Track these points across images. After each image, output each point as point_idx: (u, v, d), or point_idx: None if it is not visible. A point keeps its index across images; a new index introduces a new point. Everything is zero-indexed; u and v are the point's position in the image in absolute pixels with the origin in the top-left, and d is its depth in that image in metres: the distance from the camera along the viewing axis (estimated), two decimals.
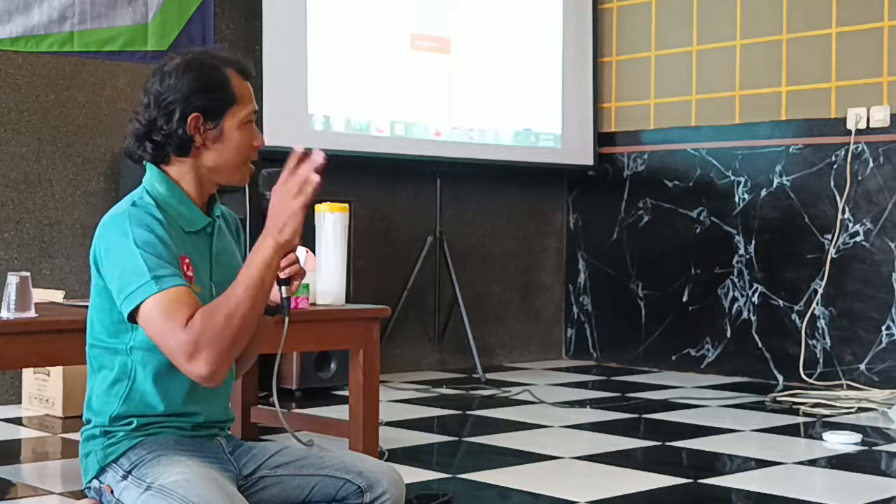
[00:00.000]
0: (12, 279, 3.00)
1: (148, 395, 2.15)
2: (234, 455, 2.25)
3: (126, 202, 2.17)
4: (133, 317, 2.07)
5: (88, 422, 2.21)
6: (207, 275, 2.19)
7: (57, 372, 4.63)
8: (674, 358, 6.46)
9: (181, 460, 2.12)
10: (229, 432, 2.33)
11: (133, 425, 2.17)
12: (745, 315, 6.18)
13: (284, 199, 2.08)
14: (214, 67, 2.22)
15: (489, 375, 6.03)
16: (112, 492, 2.15)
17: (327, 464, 2.23)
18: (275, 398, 2.26)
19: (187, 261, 2.13)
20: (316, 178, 2.07)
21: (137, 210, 2.13)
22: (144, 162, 2.22)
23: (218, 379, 2.04)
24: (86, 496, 2.24)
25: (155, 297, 2.04)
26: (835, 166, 5.87)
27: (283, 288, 2.14)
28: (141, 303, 2.04)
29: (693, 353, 6.39)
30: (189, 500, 2.03)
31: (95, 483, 2.19)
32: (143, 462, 2.13)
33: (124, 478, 2.13)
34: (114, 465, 2.15)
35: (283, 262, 2.10)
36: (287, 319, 2.16)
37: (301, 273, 2.16)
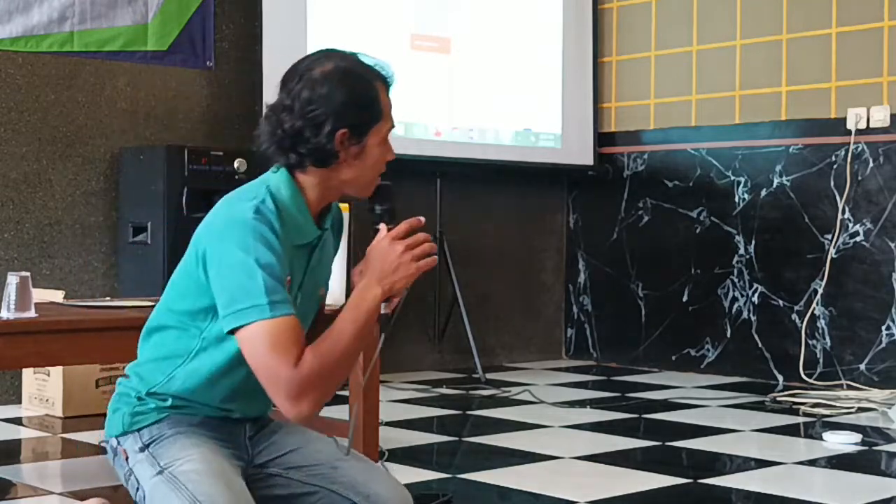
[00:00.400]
0: (12, 279, 3.00)
1: (195, 382, 2.15)
2: (252, 440, 2.25)
3: (248, 202, 2.09)
4: (233, 331, 2.03)
5: (128, 377, 2.22)
6: (298, 285, 2.18)
7: (57, 372, 4.63)
8: (674, 358, 6.46)
9: (197, 445, 2.13)
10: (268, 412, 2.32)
11: (167, 403, 2.17)
12: (745, 315, 6.18)
13: (404, 258, 2.10)
14: (368, 81, 2.15)
15: (489, 375, 6.03)
16: (127, 459, 2.17)
17: (338, 479, 2.22)
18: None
19: (289, 279, 2.11)
20: (434, 259, 2.13)
21: (260, 222, 2.05)
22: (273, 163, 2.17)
23: (312, 415, 2.03)
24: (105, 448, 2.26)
25: (266, 322, 2.00)
26: (835, 166, 5.87)
27: (383, 305, 2.12)
28: (247, 324, 2.00)
29: (693, 353, 6.39)
30: (196, 498, 2.04)
31: (114, 442, 2.20)
32: (162, 439, 2.14)
33: (142, 450, 2.15)
34: (136, 433, 2.16)
35: None
36: (383, 336, 2.15)
37: (401, 292, 2.15)
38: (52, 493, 3.39)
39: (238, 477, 2.14)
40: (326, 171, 2.15)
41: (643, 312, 6.63)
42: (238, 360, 2.10)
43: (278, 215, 2.08)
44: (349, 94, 2.11)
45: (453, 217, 6.44)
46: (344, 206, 3.71)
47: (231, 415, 2.22)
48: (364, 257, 2.15)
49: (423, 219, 2.15)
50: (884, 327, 5.68)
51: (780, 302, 6.04)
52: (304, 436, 2.30)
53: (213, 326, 2.12)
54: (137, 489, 2.16)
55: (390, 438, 4.18)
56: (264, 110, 2.19)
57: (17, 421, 4.63)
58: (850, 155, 5.79)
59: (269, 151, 2.16)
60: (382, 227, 2.16)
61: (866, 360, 5.73)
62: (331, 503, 2.21)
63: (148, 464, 2.14)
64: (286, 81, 2.17)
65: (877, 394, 5.41)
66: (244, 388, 2.15)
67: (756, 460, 4.01)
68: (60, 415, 4.64)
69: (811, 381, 5.83)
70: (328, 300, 3.64)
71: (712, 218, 6.34)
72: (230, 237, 2.05)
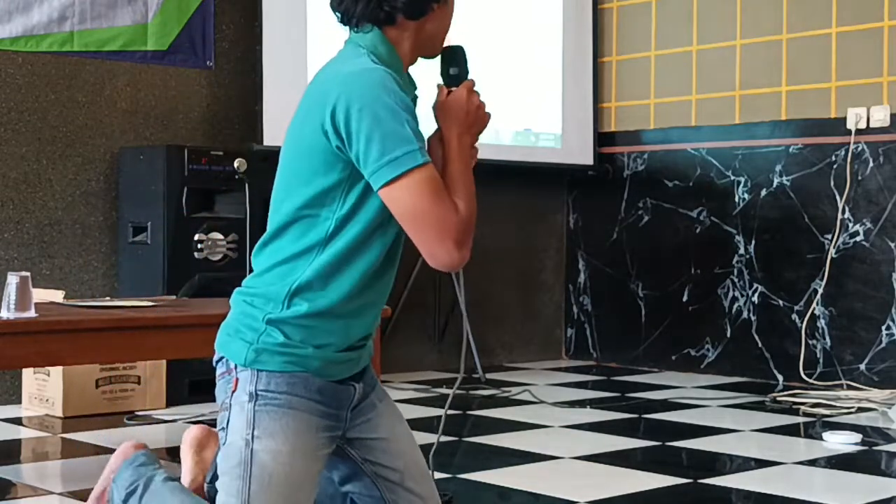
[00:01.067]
0: (12, 279, 3.00)
1: (333, 270, 2.07)
2: (354, 410, 2.19)
3: (360, 58, 2.07)
4: (387, 184, 1.98)
5: (254, 295, 2.11)
6: None
7: (57, 372, 4.63)
8: (674, 358, 6.46)
9: (300, 431, 2.06)
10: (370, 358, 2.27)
11: (304, 309, 2.07)
12: (745, 315, 6.18)
13: (481, 108, 2.18)
14: None
15: (489, 375, 6.03)
16: (234, 392, 2.10)
17: (399, 495, 2.21)
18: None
19: None
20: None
21: (385, 72, 2.05)
22: (356, 26, 2.15)
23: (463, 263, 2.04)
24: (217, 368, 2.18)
25: (423, 168, 1.99)
26: (835, 166, 5.87)
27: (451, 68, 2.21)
28: (408, 171, 1.98)
29: (693, 353, 6.39)
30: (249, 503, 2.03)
31: (231, 365, 2.12)
32: (273, 400, 2.07)
33: (250, 397, 2.07)
34: (257, 372, 2.08)
35: None
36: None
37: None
38: (52, 493, 3.39)
39: (307, 492, 2.08)
40: (416, 24, 2.17)
41: (643, 312, 6.63)
42: (377, 226, 2.06)
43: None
44: None
45: None
46: None
47: (357, 324, 2.13)
48: (439, 116, 2.18)
49: (474, 80, 2.23)
50: (884, 327, 5.68)
51: (780, 302, 6.04)
52: (394, 426, 2.27)
53: (344, 203, 2.06)
54: (226, 425, 2.11)
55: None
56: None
57: (17, 421, 4.63)
58: (850, 155, 5.79)
59: (354, 9, 2.14)
60: (442, 87, 2.23)
61: (866, 360, 5.73)
62: None
63: (245, 418, 2.07)
64: None
65: (877, 394, 5.41)
66: (377, 270, 2.09)
67: (756, 460, 4.01)
68: (60, 415, 4.65)
69: (811, 381, 5.83)
70: None
71: (712, 218, 6.34)
72: (370, 89, 2.01)
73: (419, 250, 2.05)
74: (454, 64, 2.26)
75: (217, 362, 2.18)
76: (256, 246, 2.17)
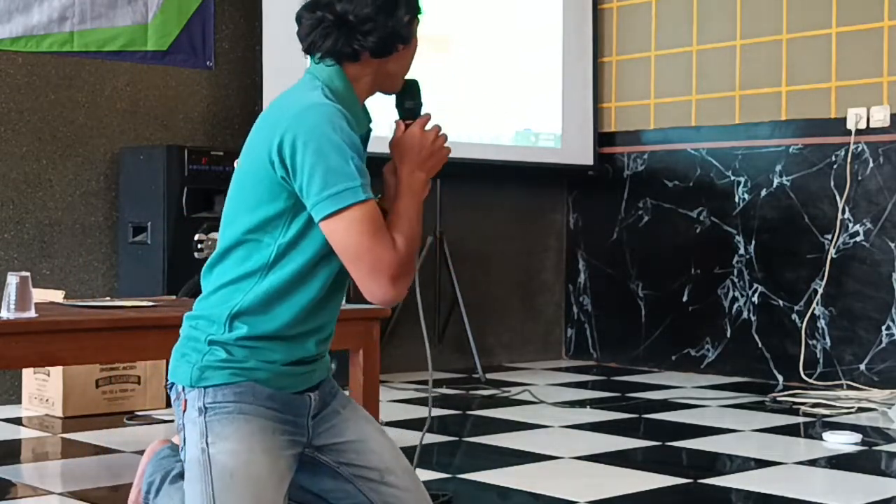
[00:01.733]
0: (12, 279, 3.00)
1: (274, 297, 2.09)
2: (315, 419, 2.20)
3: (312, 92, 2.09)
4: (326, 217, 2.02)
5: (198, 317, 2.15)
6: None
7: (57, 372, 4.63)
8: (674, 358, 6.46)
9: (251, 434, 2.08)
10: (329, 372, 2.28)
11: (244, 332, 2.10)
12: (745, 315, 6.18)
13: (437, 144, 2.20)
14: None
15: (489, 375, 6.03)
16: (185, 410, 2.13)
17: (382, 494, 2.22)
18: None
19: None
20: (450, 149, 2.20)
21: (335, 107, 2.07)
22: (320, 58, 2.16)
23: (397, 301, 2.07)
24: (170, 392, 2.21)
25: (363, 205, 2.01)
26: (835, 166, 5.87)
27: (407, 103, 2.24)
28: (347, 206, 2.01)
29: (693, 353, 6.39)
30: (215, 502, 2.03)
31: (179, 388, 2.15)
32: (222, 409, 2.09)
33: (200, 412, 2.10)
34: (203, 389, 2.11)
35: None
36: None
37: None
38: (52, 493, 3.39)
39: (273, 488, 2.08)
40: (378, 63, 2.18)
41: (643, 312, 6.63)
42: (321, 257, 2.08)
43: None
44: None
45: (453, 217, 6.45)
46: None
47: (303, 347, 2.16)
48: (394, 152, 2.19)
49: (430, 114, 2.24)
50: (884, 327, 5.68)
51: (780, 302, 6.04)
52: (362, 427, 2.27)
53: (287, 231, 2.08)
54: (182, 447, 2.14)
55: (390, 438, 4.17)
56: (301, 11, 2.21)
57: (17, 421, 4.63)
58: (850, 155, 5.79)
59: (321, 43, 2.16)
60: (399, 122, 2.24)
61: (866, 360, 5.73)
62: None
63: (198, 430, 2.09)
64: None
65: (877, 394, 5.41)
66: (321, 298, 2.12)
67: (756, 460, 4.01)
68: (60, 415, 4.64)
69: (811, 381, 5.83)
70: None
71: (712, 218, 6.34)
72: (318, 124, 2.04)
73: (356, 284, 2.09)
74: (409, 97, 2.30)
75: (170, 389, 2.21)
76: (204, 268, 2.20)
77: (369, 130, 2.25)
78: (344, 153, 2.03)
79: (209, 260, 2.19)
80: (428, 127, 2.22)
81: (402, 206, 2.13)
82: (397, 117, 2.29)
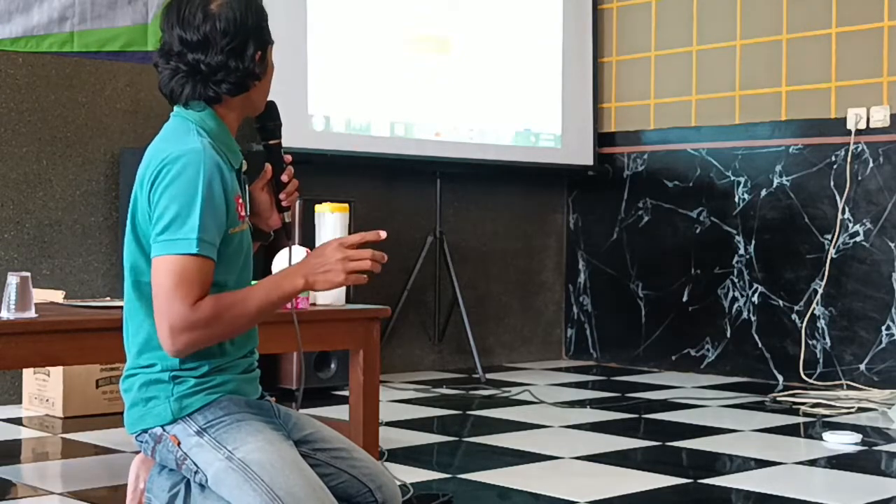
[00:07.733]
0: (12, 279, 3.00)
1: None
2: (279, 419, 2.26)
3: (188, 136, 2.12)
4: (156, 256, 2.06)
5: (149, 366, 2.15)
6: (246, 212, 2.23)
7: (57, 372, 4.63)
8: (674, 358, 6.46)
9: (260, 430, 2.12)
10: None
11: (204, 370, 2.14)
12: (745, 315, 6.18)
13: (337, 265, 2.11)
14: None
15: (489, 375, 6.03)
16: (179, 444, 2.13)
17: (357, 465, 2.27)
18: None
19: (240, 200, 2.17)
20: (378, 268, 2.13)
21: (208, 154, 2.09)
22: (185, 104, 2.19)
23: (180, 356, 2.08)
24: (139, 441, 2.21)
25: (191, 259, 2.03)
26: (835, 166, 5.87)
27: (286, 214, 2.30)
28: (175, 254, 2.03)
29: (693, 353, 6.39)
30: (274, 492, 2.05)
31: (157, 431, 2.15)
32: (220, 423, 2.12)
33: (199, 434, 2.11)
34: (188, 418, 2.13)
35: (283, 195, 2.33)
36: (291, 248, 2.39)
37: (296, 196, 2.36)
38: (52, 493, 3.39)
39: (307, 468, 2.13)
40: (241, 98, 2.20)
41: (643, 312, 6.63)
42: (224, 283, 2.13)
43: (214, 148, 2.14)
44: (255, 14, 2.18)
45: (453, 217, 6.45)
46: (343, 207, 3.72)
47: (251, 348, 2.24)
48: (307, 255, 2.18)
49: (383, 234, 2.16)
50: (884, 327, 5.68)
51: (780, 302, 6.04)
52: (310, 420, 2.34)
53: None
54: (196, 472, 2.12)
55: (390, 438, 4.18)
56: (157, 59, 2.19)
57: (17, 421, 4.63)
58: (849, 155, 5.79)
59: (180, 91, 2.17)
60: (267, 166, 2.33)
61: (866, 360, 5.73)
62: (349, 489, 2.26)
63: (211, 448, 2.10)
64: (183, 22, 2.15)
65: (877, 394, 5.42)
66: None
67: (756, 460, 4.01)
68: (60, 415, 4.65)
69: (811, 381, 5.83)
70: (328, 300, 3.66)
71: (712, 218, 6.34)
72: (185, 170, 2.07)
73: None
74: (269, 119, 2.33)
75: (140, 442, 2.21)
76: (123, 322, 2.21)
77: (242, 164, 2.28)
78: (192, 204, 2.06)
79: (124, 309, 2.21)
80: (354, 241, 2.15)
81: (253, 290, 2.11)
82: (260, 140, 2.36)
